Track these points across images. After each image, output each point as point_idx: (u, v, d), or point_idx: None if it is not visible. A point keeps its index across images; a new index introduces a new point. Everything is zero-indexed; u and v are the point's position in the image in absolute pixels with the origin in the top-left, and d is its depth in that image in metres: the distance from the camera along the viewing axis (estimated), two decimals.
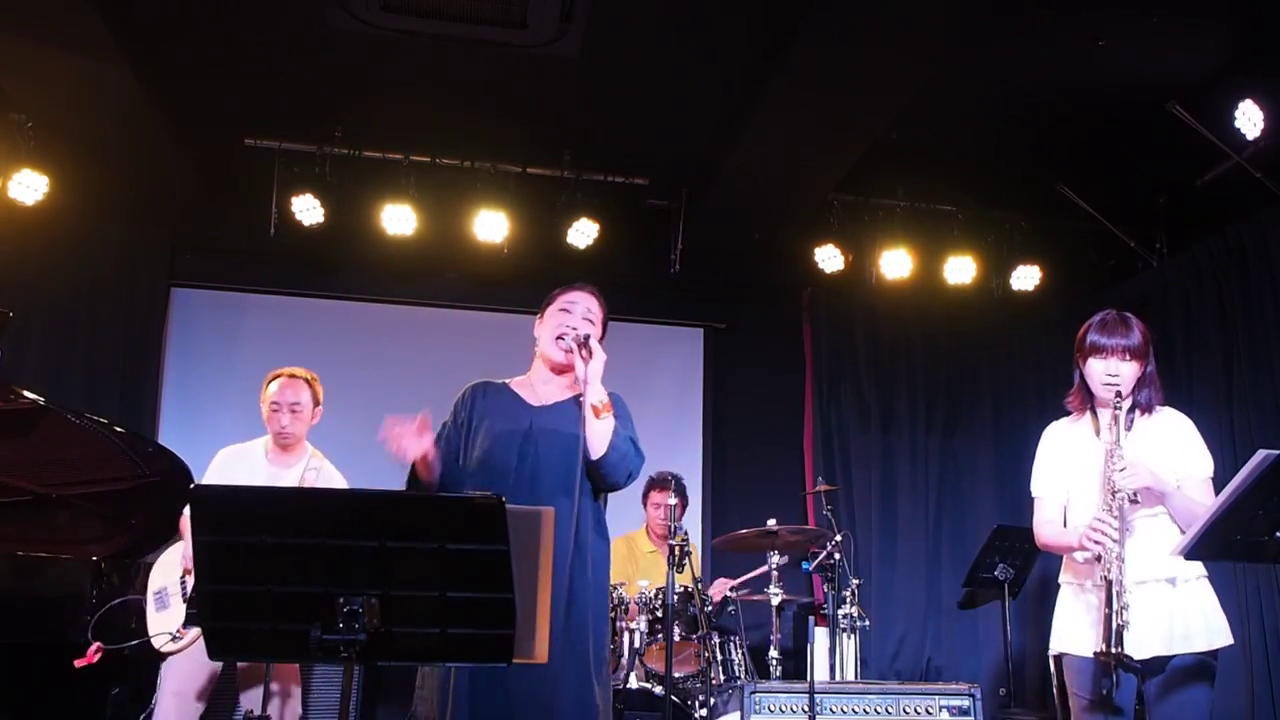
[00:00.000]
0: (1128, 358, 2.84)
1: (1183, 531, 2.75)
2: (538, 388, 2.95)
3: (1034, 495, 3.04)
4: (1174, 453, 2.87)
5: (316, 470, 3.84)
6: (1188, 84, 4.87)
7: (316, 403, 3.88)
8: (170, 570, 3.76)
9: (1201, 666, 2.75)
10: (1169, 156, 5.42)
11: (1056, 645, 2.91)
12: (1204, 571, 2.84)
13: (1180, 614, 2.76)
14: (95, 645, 3.57)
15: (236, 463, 3.83)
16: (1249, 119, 4.64)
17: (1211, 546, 2.58)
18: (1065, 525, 2.97)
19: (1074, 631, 2.87)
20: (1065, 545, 2.89)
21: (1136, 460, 2.76)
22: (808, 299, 6.80)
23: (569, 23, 4.52)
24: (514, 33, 4.59)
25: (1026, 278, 6.17)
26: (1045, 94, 5.06)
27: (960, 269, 6.10)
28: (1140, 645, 2.69)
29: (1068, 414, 3.07)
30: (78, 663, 3.54)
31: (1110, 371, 2.85)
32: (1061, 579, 2.99)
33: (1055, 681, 2.97)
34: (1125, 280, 6.32)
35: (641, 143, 5.68)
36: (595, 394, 2.74)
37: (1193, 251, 5.74)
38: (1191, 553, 2.58)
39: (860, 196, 6.06)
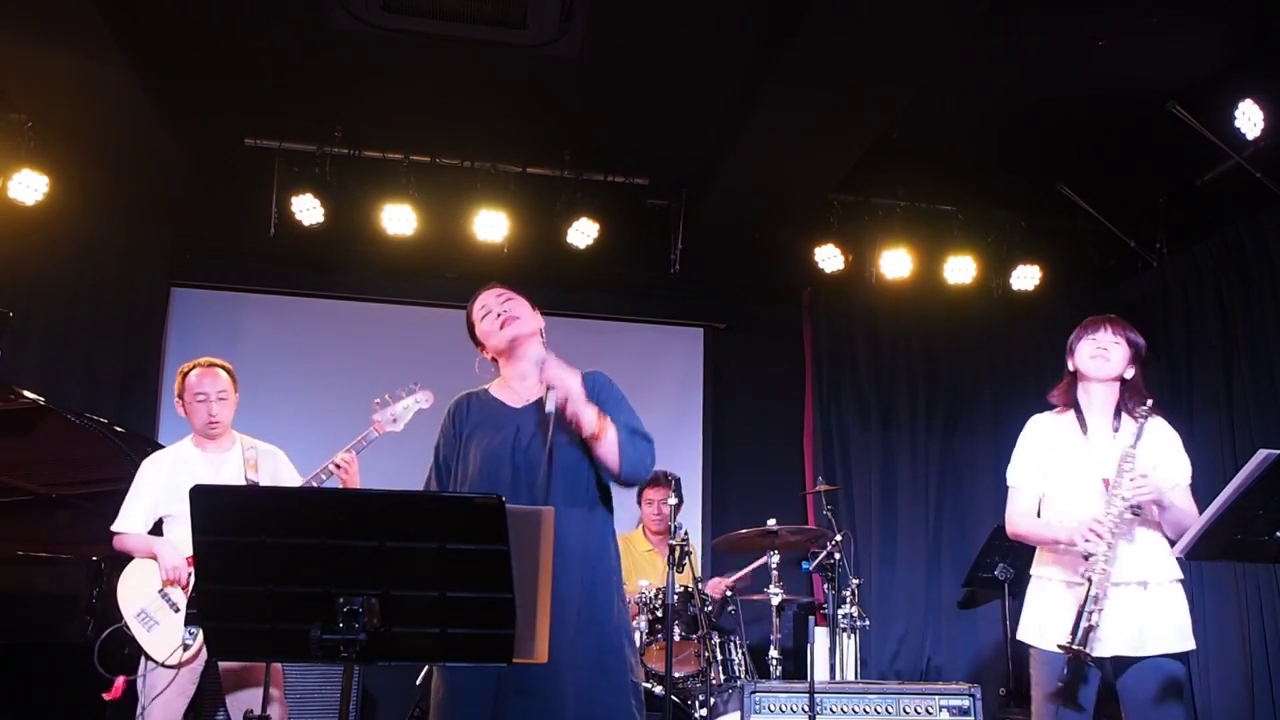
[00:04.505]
0: (1115, 332, 2.92)
1: (1170, 540, 2.79)
2: (515, 386, 2.90)
3: (1011, 484, 3.08)
4: (1161, 460, 2.92)
5: (255, 448, 3.82)
6: (1188, 84, 4.87)
7: (235, 390, 3.88)
8: (142, 590, 3.66)
9: (1175, 669, 2.81)
10: (1169, 156, 5.42)
11: (1024, 636, 2.98)
12: (1179, 575, 2.88)
13: (1148, 617, 2.80)
14: (121, 678, 3.57)
15: (173, 466, 3.78)
16: (1249, 119, 4.64)
17: (1211, 546, 2.60)
18: (1039, 517, 3.01)
19: (1043, 625, 2.92)
20: (1046, 538, 2.93)
21: (1149, 474, 2.79)
22: (808, 299, 6.80)
23: (569, 23, 4.52)
24: (514, 33, 4.59)
25: (1026, 278, 6.17)
26: (1045, 94, 5.06)
27: (960, 269, 6.10)
28: (1103, 644, 2.74)
29: (1051, 407, 3.11)
30: (107, 695, 3.54)
31: (1101, 345, 2.92)
32: (1034, 571, 3.03)
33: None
34: (1125, 280, 6.31)
35: (641, 143, 5.68)
36: (588, 421, 2.63)
37: (1193, 251, 5.74)
38: (1192, 552, 2.59)
39: (860, 196, 6.06)
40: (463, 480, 2.79)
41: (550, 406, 2.62)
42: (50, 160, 5.32)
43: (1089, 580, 2.71)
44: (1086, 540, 2.74)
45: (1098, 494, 2.86)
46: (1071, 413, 3.02)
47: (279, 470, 3.87)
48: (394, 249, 5.83)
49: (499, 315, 2.84)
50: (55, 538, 4.20)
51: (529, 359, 2.79)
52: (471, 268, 6.11)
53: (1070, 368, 3.05)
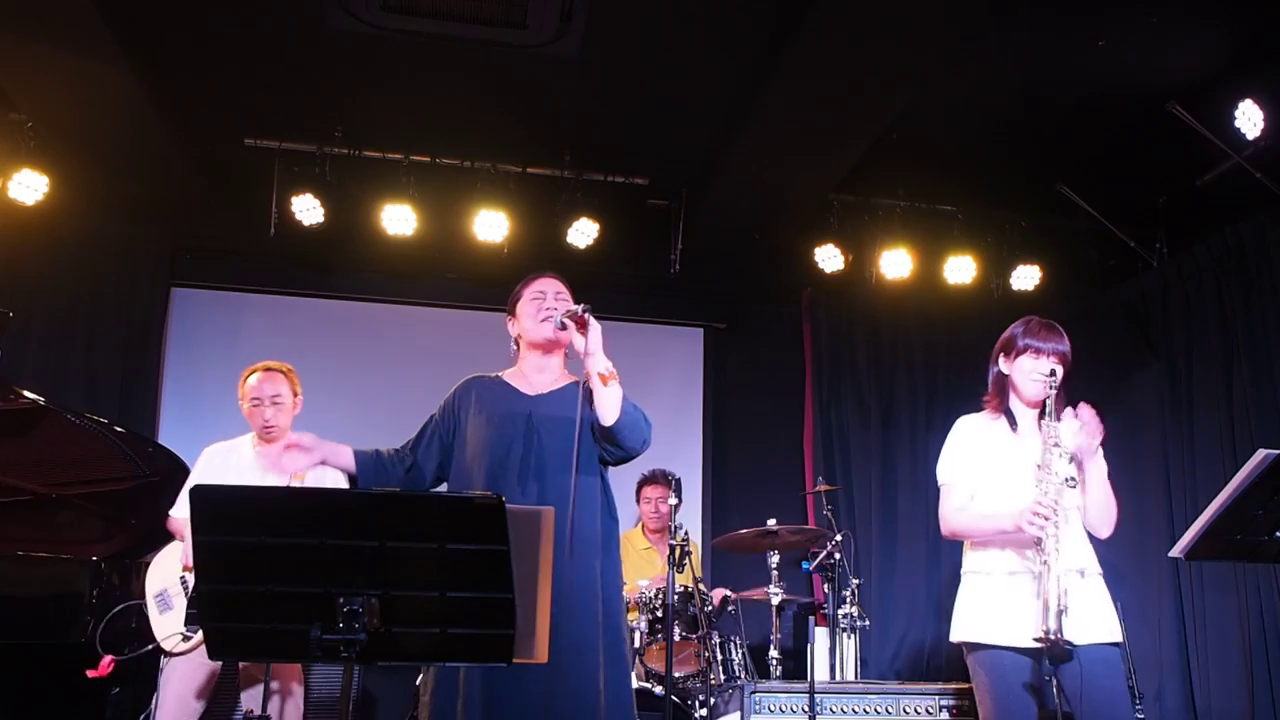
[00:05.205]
0: (1058, 360, 2.93)
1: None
2: (531, 377, 2.96)
3: (942, 482, 3.03)
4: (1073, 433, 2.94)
5: None
6: (1188, 84, 4.87)
7: (296, 394, 3.86)
8: (168, 572, 3.75)
9: (1118, 659, 2.81)
10: (1169, 156, 5.42)
11: (966, 635, 2.89)
12: (1100, 569, 2.90)
13: (1087, 605, 2.79)
14: (108, 658, 3.57)
15: (225, 461, 3.81)
16: (1249, 119, 4.64)
17: (1211, 546, 2.60)
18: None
19: (989, 621, 2.85)
20: (989, 530, 2.87)
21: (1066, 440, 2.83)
22: (808, 299, 6.80)
23: (569, 23, 4.52)
24: (514, 33, 4.59)
25: (1026, 278, 6.17)
26: (1045, 94, 5.06)
27: (960, 269, 6.10)
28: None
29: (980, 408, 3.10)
30: (90, 673, 3.54)
31: (1043, 370, 2.92)
32: (968, 567, 2.98)
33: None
34: (1125, 280, 6.31)
35: (641, 143, 5.67)
36: (600, 363, 2.75)
37: (1193, 251, 5.74)
38: (1192, 552, 2.59)
39: (860, 196, 6.06)
40: (472, 458, 2.83)
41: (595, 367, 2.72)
42: (50, 160, 5.32)
43: (1046, 566, 2.68)
44: (1032, 524, 2.70)
45: (1035, 482, 2.85)
46: (1003, 416, 3.01)
47: (324, 485, 3.86)
48: (394, 249, 5.83)
49: (549, 309, 2.90)
50: (55, 538, 4.20)
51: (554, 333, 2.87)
52: (471, 268, 6.12)
53: (1004, 369, 3.03)
